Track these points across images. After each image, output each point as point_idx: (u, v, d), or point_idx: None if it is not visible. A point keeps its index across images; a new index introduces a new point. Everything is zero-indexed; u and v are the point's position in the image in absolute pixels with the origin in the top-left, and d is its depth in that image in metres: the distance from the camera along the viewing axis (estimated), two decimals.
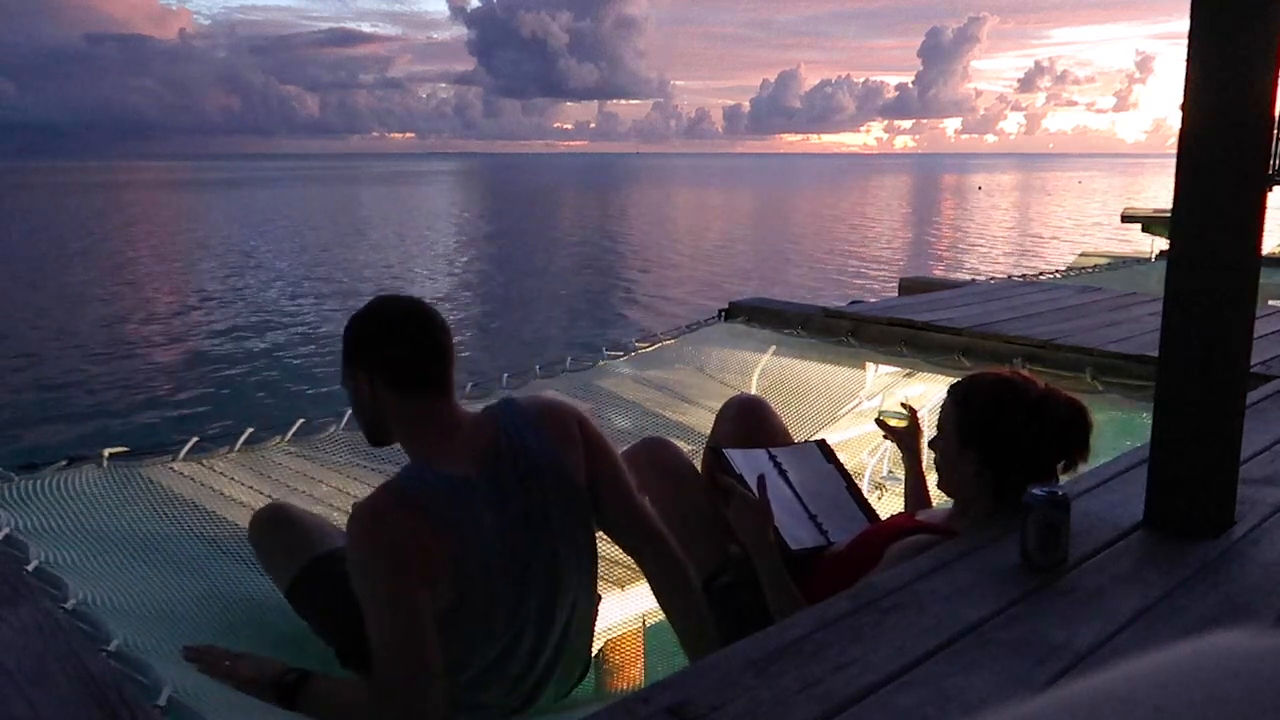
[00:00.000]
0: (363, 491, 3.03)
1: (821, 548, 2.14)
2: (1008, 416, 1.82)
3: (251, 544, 2.23)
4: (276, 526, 2.17)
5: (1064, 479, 1.89)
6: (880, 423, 2.47)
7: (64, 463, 2.80)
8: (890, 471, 3.61)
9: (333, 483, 3.11)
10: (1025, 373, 1.99)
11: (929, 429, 2.49)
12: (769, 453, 2.31)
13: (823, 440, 2.51)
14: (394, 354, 1.67)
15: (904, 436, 2.43)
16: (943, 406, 1.94)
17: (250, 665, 1.69)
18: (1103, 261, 8.97)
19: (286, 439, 3.34)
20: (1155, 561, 1.70)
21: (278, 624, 2.32)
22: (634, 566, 2.57)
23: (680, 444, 2.55)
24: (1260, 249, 1.77)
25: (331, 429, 3.45)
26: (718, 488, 2.12)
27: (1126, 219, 13.15)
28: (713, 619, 1.87)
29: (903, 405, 2.49)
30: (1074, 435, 1.83)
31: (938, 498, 2.28)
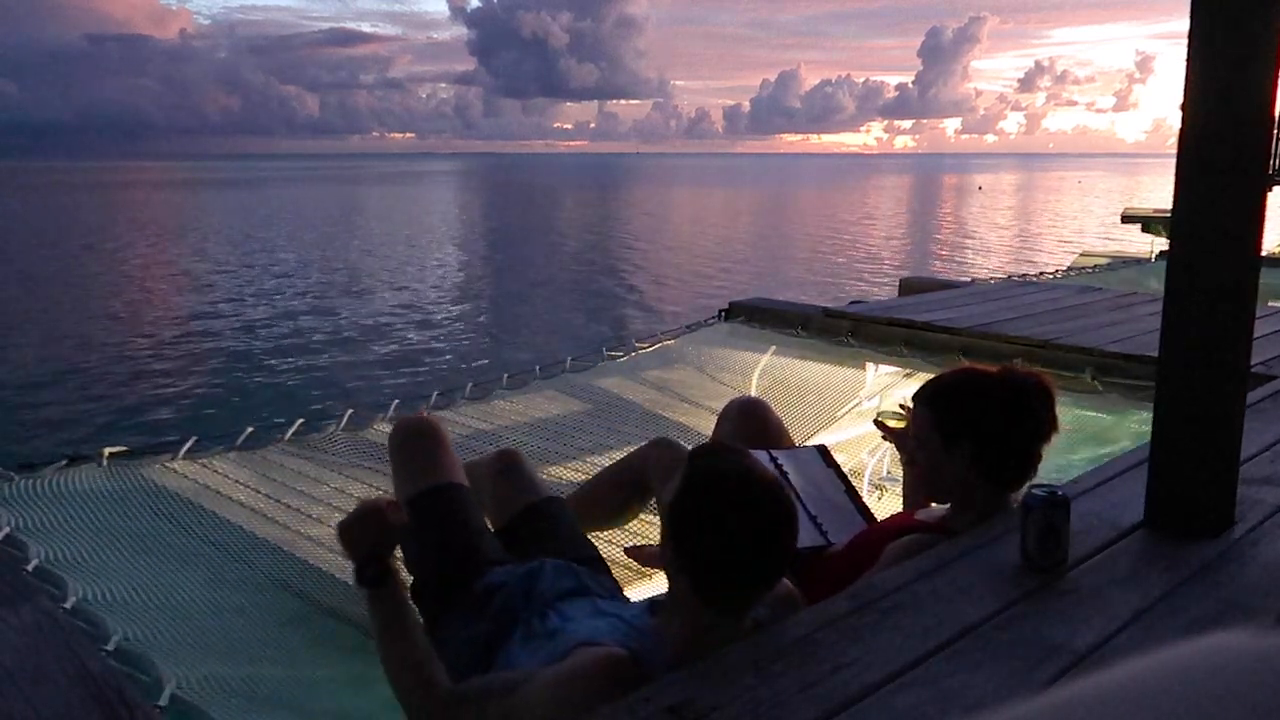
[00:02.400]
0: (362, 491, 3.03)
1: (821, 547, 2.14)
2: (987, 400, 1.84)
3: (390, 445, 2.23)
4: (422, 438, 2.17)
5: (1050, 460, 1.90)
6: (879, 423, 2.48)
7: (64, 462, 2.81)
8: (889, 472, 3.61)
9: (333, 483, 3.11)
10: (975, 364, 2.00)
11: None
12: (769, 454, 2.31)
13: (822, 445, 2.52)
14: (722, 561, 1.44)
15: (902, 437, 2.43)
16: (912, 419, 1.94)
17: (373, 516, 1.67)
18: (1103, 261, 8.97)
19: (286, 439, 3.34)
20: (1155, 561, 1.70)
21: (282, 608, 2.32)
22: (632, 566, 2.58)
23: (683, 444, 2.55)
24: (1260, 249, 1.77)
25: (331, 429, 3.45)
26: None
27: (1126, 219, 13.15)
28: None
29: (900, 406, 2.50)
30: (1048, 405, 1.86)
31: None
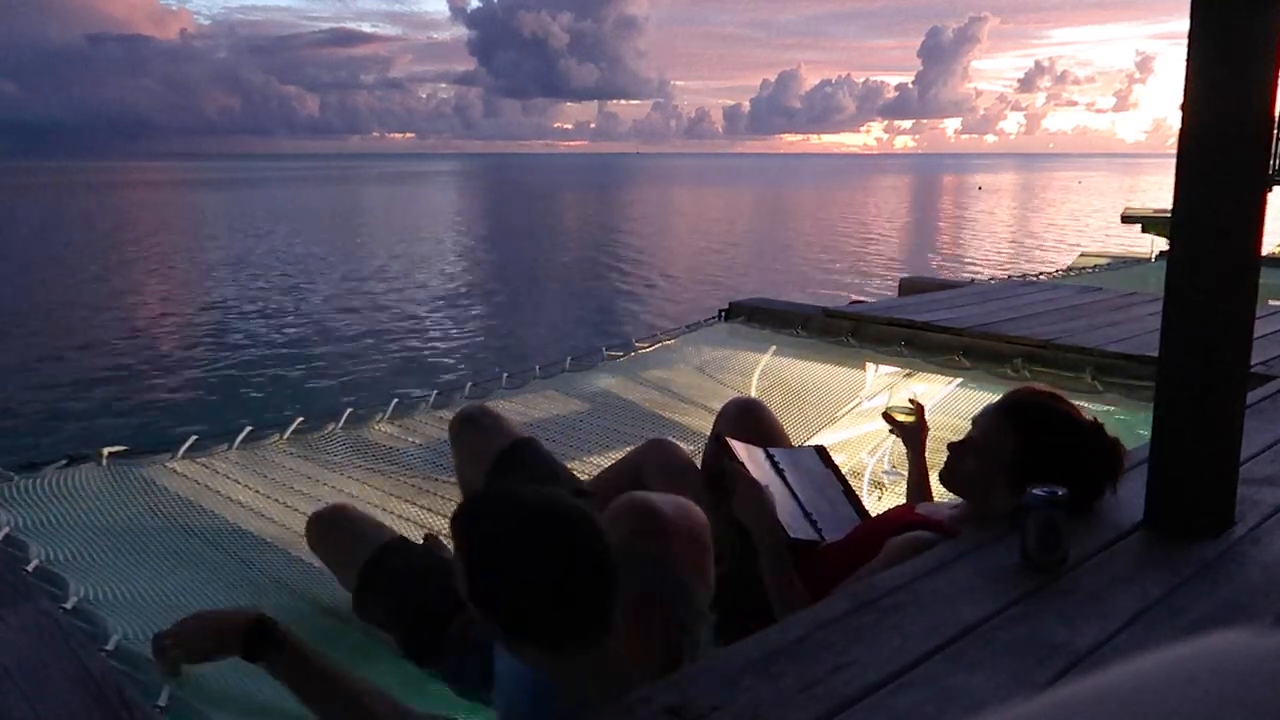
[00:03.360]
0: (362, 491, 3.03)
1: (814, 542, 2.15)
2: (1084, 468, 1.83)
3: (312, 550, 2.23)
4: (334, 529, 2.18)
5: None
6: (887, 417, 2.48)
7: (64, 462, 2.80)
8: (893, 467, 3.61)
9: (332, 482, 3.10)
10: (1070, 401, 1.95)
11: (930, 427, 2.49)
12: (767, 452, 2.32)
13: (821, 446, 2.52)
14: None
15: (910, 431, 2.44)
16: (994, 427, 1.89)
17: (197, 630, 1.60)
18: (1103, 261, 8.97)
19: (285, 438, 3.33)
20: (1155, 561, 1.70)
21: (282, 608, 2.32)
22: None
23: (680, 444, 2.55)
24: (1260, 249, 1.77)
25: (330, 428, 3.44)
26: (719, 480, 2.13)
27: (1126, 219, 13.15)
28: None
29: (910, 401, 2.50)
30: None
31: (940, 494, 2.28)
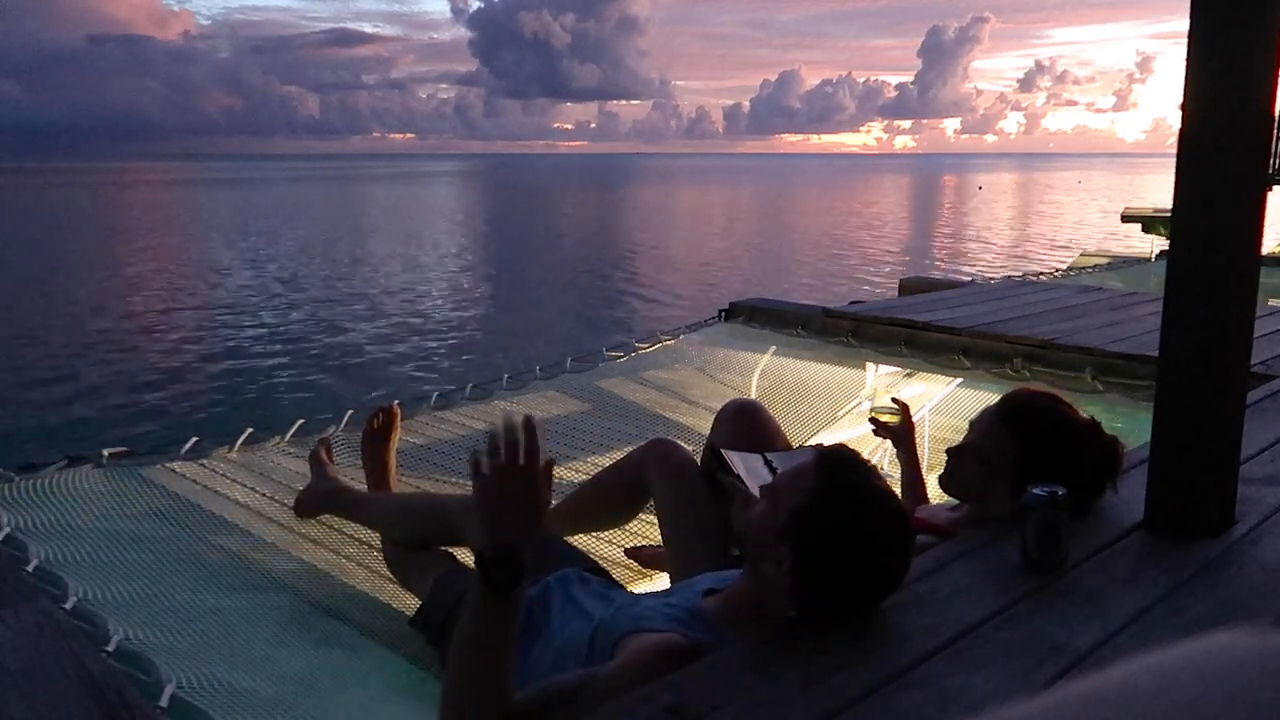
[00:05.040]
0: None
1: None
2: (1080, 463, 1.82)
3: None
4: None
5: None
6: (873, 420, 2.49)
7: (64, 463, 2.80)
8: (885, 469, 3.61)
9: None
10: (1064, 398, 1.95)
11: (930, 427, 2.49)
12: (764, 456, 2.31)
13: (819, 446, 2.52)
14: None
15: (896, 433, 2.44)
16: (992, 430, 1.89)
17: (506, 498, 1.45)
18: (1103, 261, 8.97)
19: (286, 439, 3.33)
20: (1155, 561, 1.70)
21: (282, 608, 2.32)
22: (632, 566, 2.58)
23: (682, 444, 2.55)
24: (1260, 249, 1.77)
25: (331, 430, 3.44)
26: (720, 491, 2.13)
27: (1126, 219, 13.16)
28: None
29: (893, 400, 2.51)
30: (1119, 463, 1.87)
31: (935, 494, 2.28)
